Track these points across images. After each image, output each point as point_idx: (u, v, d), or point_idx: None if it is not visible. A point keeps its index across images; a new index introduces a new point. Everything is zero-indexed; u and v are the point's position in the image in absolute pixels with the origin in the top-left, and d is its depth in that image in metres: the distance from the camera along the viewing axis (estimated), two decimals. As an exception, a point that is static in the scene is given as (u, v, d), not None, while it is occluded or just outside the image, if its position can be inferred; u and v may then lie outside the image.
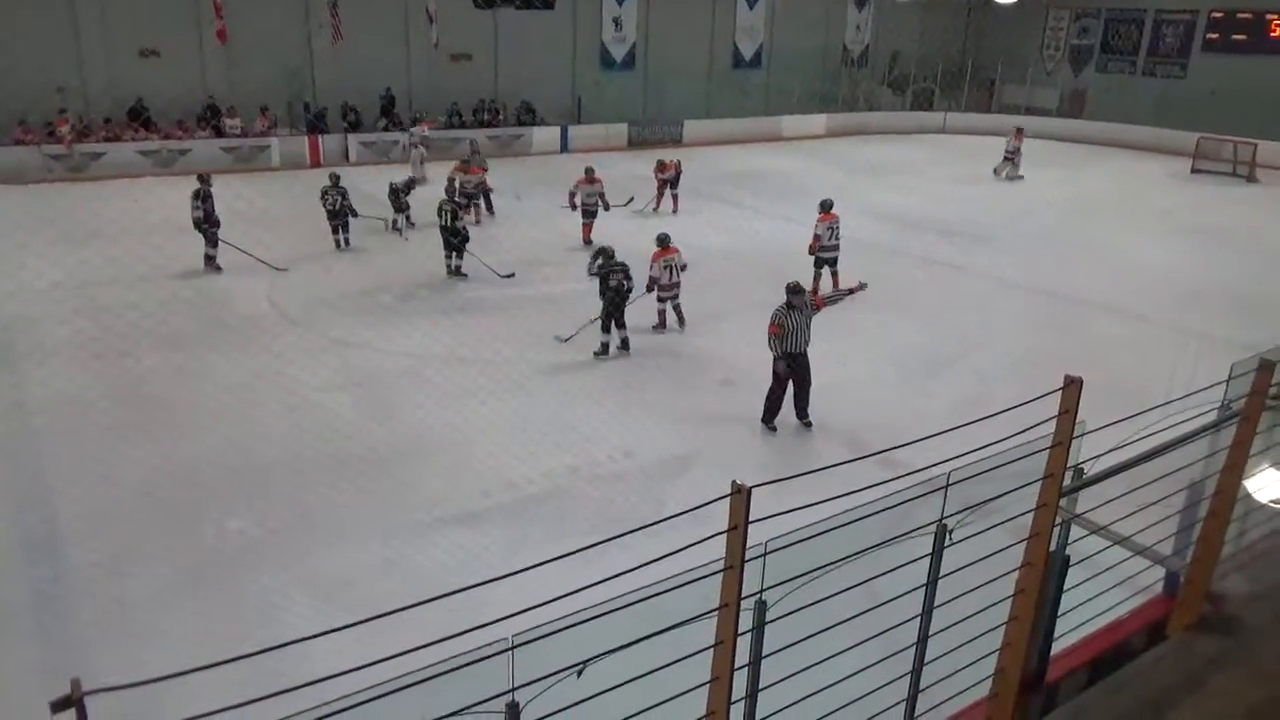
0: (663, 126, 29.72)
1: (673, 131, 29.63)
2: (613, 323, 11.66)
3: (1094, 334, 12.89)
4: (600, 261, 11.79)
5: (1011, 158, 25.51)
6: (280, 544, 7.37)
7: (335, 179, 16.44)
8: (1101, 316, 13.81)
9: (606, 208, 16.85)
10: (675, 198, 20.13)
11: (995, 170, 25.67)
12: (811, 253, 13.95)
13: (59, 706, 1.99)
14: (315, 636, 2.71)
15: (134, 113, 22.55)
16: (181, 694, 2.52)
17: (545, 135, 27.85)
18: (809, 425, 9.67)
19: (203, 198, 14.44)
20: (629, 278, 11.59)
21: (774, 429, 9.64)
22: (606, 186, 16.84)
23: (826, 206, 13.96)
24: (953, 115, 35.17)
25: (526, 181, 21.25)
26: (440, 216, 14.76)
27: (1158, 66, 33.16)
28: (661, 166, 20.29)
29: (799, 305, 9.46)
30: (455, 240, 14.64)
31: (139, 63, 22.76)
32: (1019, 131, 26.03)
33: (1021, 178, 25.18)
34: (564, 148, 27.99)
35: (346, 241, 16.44)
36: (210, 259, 14.68)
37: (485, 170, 18.56)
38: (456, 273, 14.79)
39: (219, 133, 23.39)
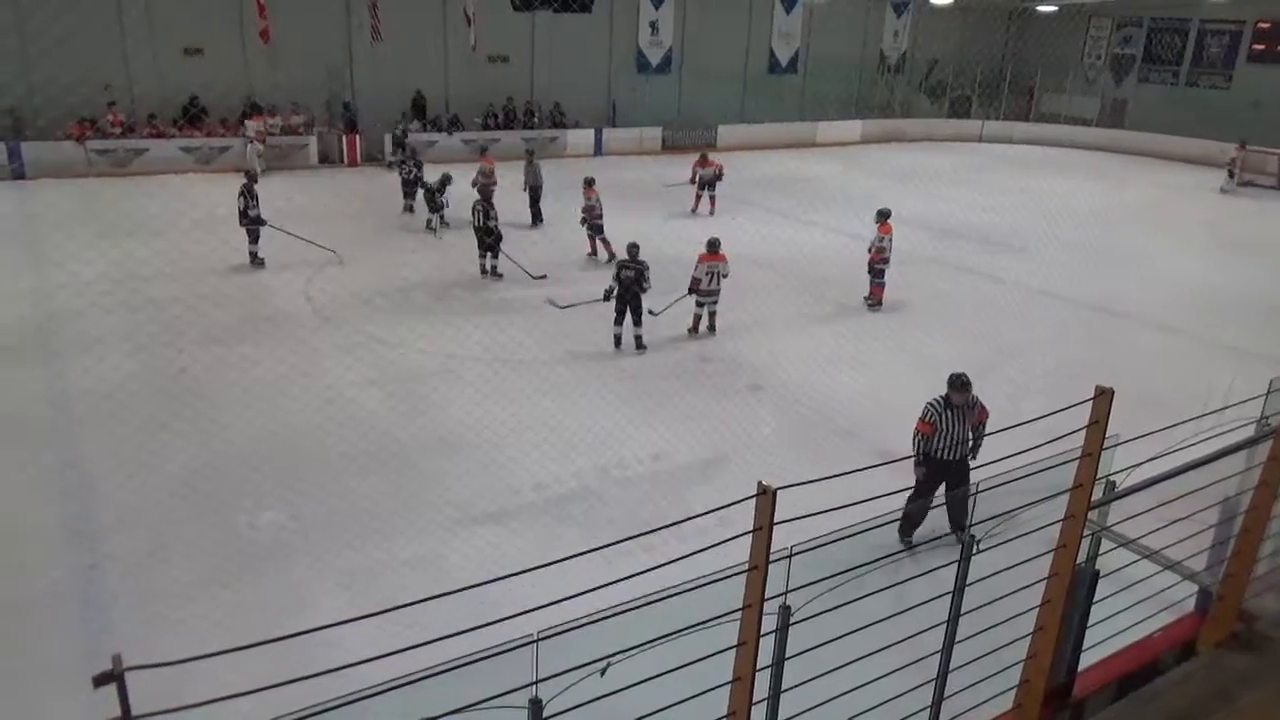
0: (697, 131, 29.74)
1: (707, 136, 29.64)
2: (628, 318, 11.88)
3: (1130, 346, 12.72)
4: (623, 257, 12.01)
5: (1234, 171, 25.36)
6: (312, 537, 7.48)
7: (413, 152, 20.00)
8: (1138, 329, 13.62)
9: (596, 229, 16.20)
10: (713, 200, 20.19)
11: (1222, 188, 25.49)
12: (874, 265, 13.94)
13: (101, 681, 2.07)
14: (345, 623, 2.77)
15: (186, 110, 22.97)
16: (213, 679, 2.59)
17: (579, 138, 27.97)
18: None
19: (254, 194, 14.73)
20: (643, 276, 11.80)
21: (909, 543, 7.35)
22: (639, 191, 16.78)
23: (885, 216, 13.87)
24: (990, 123, 34.83)
25: (560, 184, 21.34)
26: (474, 216, 14.89)
27: (1201, 77, 32.61)
28: (703, 160, 20.39)
29: (960, 405, 7.43)
30: (489, 240, 14.76)
31: (183, 61, 23.19)
32: (1242, 144, 25.85)
33: (1228, 193, 25.11)
34: (598, 151, 28.10)
35: (411, 209, 19.01)
36: (254, 255, 14.94)
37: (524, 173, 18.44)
38: (492, 273, 14.90)
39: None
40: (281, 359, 10.89)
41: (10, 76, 20.94)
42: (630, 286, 11.72)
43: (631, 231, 16.49)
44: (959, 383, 7.47)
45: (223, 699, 2.41)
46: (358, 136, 24.71)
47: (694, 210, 20.07)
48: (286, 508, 7.88)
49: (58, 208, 18.08)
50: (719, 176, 20.25)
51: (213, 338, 11.63)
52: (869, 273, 14.01)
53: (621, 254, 12.30)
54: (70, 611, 6.49)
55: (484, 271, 14.95)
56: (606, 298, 11.93)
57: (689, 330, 12.59)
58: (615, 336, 11.96)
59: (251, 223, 14.76)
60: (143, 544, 7.25)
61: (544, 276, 14.77)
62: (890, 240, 13.81)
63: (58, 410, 9.61)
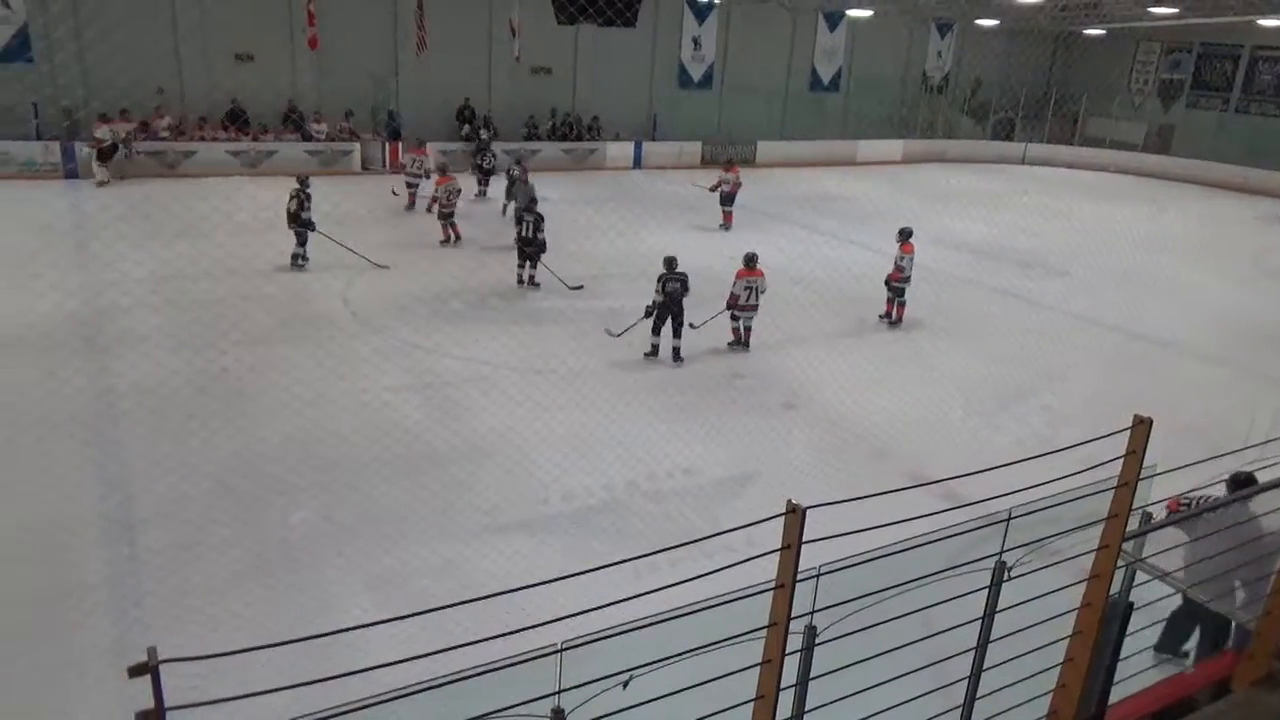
0: (736, 146, 29.75)
1: (746, 151, 29.63)
2: (666, 329, 11.95)
3: (1172, 375, 12.50)
4: (663, 271, 12.06)
5: None
6: (343, 538, 7.57)
7: (489, 141, 22.78)
8: (1180, 358, 13.39)
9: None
10: (729, 215, 20.14)
11: None
12: (895, 283, 13.93)
13: (136, 672, 2.11)
14: (371, 625, 2.81)
15: (232, 115, 23.45)
16: (240, 675, 2.62)
17: (619, 151, 28.10)
18: None
19: (309, 196, 15.01)
20: (685, 287, 11.91)
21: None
22: (671, 204, 16.74)
23: (907, 235, 13.90)
24: (1034, 146, 34.46)
25: (600, 196, 21.50)
26: (521, 227, 14.98)
27: (1252, 104, 32.04)
28: (728, 165, 20.65)
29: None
30: (529, 250, 14.85)
31: (234, 66, 23.69)
32: None
33: None
34: (637, 164, 28.22)
35: (484, 194, 21.35)
36: (297, 257, 15.19)
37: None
38: (529, 283, 15.00)
39: (305, 136, 24.19)
40: (320, 361, 11.05)
41: (69, 79, 21.51)
42: (675, 299, 11.80)
43: (663, 246, 16.55)
44: (1245, 481, 5.33)
45: (251, 695, 2.45)
46: (400, 144, 25.05)
47: (725, 225, 20.10)
48: (320, 508, 7.98)
49: (109, 208, 18.52)
50: (735, 187, 20.12)
51: (254, 338, 11.82)
52: (888, 289, 14.03)
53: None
54: (107, 603, 6.61)
55: (521, 281, 15.05)
56: (649, 314, 11.97)
57: (729, 344, 12.60)
58: (653, 346, 12.01)
59: (301, 225, 14.99)
60: (180, 538, 7.38)
61: (581, 288, 14.84)
62: (911, 260, 13.79)
63: (102, 404, 9.82)
